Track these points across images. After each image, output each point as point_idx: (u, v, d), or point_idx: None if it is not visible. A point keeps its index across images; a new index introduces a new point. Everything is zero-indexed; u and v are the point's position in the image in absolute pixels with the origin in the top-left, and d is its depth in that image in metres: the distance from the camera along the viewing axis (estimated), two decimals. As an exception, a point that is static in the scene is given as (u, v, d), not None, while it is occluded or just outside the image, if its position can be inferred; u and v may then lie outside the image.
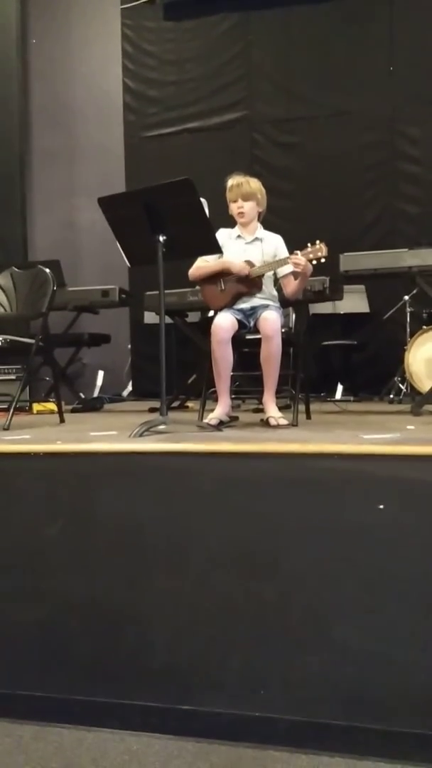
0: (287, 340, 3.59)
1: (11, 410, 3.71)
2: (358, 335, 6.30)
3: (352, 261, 4.67)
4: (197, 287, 4.10)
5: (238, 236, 3.68)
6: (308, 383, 4.43)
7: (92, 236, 6.52)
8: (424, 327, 4.90)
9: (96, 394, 6.31)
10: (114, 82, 7.11)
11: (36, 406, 5.14)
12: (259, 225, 3.70)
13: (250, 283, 3.56)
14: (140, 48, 7.06)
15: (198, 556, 2.31)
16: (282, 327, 3.47)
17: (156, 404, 4.24)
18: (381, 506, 2.18)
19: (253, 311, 3.53)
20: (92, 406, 5.56)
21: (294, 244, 3.56)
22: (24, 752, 2.14)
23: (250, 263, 3.56)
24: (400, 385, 5.33)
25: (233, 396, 4.35)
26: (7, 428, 3.52)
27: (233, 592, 2.26)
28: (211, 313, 3.73)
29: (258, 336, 3.43)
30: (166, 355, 3.24)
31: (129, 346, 6.99)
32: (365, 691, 2.12)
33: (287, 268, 3.54)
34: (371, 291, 6.19)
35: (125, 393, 6.84)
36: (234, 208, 3.65)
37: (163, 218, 3.16)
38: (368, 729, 2.09)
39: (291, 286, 3.62)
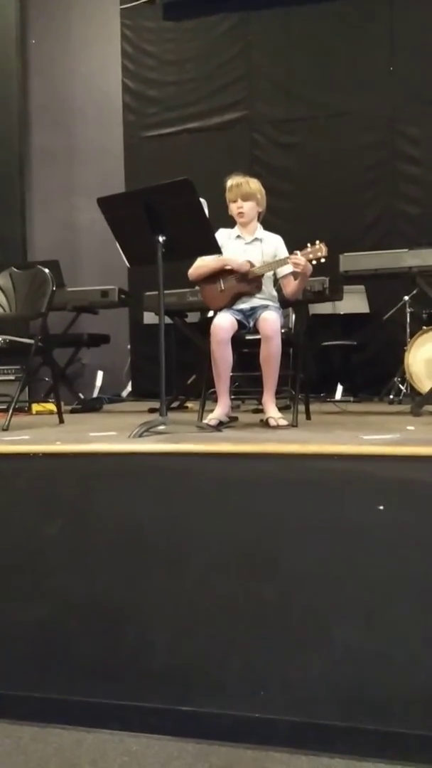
0: (287, 340, 3.59)
1: (10, 411, 3.71)
2: (358, 336, 6.29)
3: (352, 261, 4.67)
4: (197, 287, 4.10)
5: (238, 236, 3.68)
6: (308, 384, 4.43)
7: (92, 236, 6.51)
8: (424, 327, 4.91)
9: (95, 394, 6.30)
10: (114, 82, 7.11)
11: (35, 407, 5.14)
12: (258, 225, 3.70)
13: (250, 284, 3.56)
14: (140, 48, 7.06)
15: (198, 557, 2.31)
16: (282, 327, 3.47)
17: (155, 405, 4.24)
18: (381, 507, 2.18)
19: (253, 311, 3.52)
20: (92, 406, 5.55)
21: (294, 245, 3.55)
22: (23, 753, 2.13)
23: (250, 263, 3.56)
24: (400, 386, 5.33)
25: (233, 396, 4.35)
26: (6, 429, 3.52)
27: (233, 592, 2.25)
28: (210, 314, 3.73)
29: (258, 336, 3.43)
30: (165, 355, 3.23)
31: (128, 347, 6.98)
32: (365, 691, 2.12)
33: (287, 269, 3.54)
34: (371, 291, 6.18)
35: (125, 393, 6.83)
36: (234, 209, 3.65)
37: (163, 218, 3.16)
38: (368, 730, 2.08)
39: (291, 287, 3.61)
